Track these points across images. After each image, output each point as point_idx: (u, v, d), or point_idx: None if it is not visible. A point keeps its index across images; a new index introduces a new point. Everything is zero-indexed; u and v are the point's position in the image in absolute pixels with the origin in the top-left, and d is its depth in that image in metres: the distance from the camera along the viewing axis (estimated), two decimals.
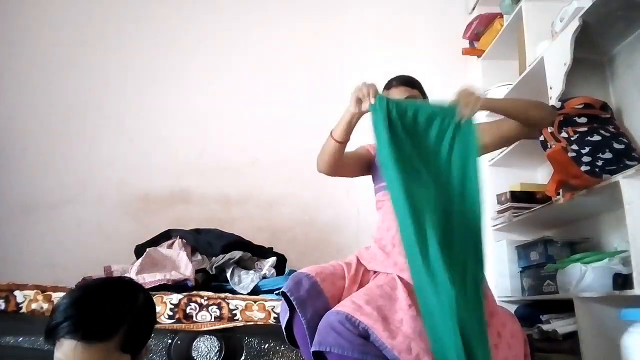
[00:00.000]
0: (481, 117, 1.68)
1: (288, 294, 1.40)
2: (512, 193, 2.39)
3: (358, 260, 1.59)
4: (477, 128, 1.42)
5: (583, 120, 1.89)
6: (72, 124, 2.65)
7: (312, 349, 1.31)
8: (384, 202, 1.67)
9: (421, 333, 1.28)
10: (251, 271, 1.97)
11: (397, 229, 1.55)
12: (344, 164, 1.66)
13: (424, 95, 1.74)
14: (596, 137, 1.83)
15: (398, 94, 1.68)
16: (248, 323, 1.70)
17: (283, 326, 1.46)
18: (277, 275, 1.99)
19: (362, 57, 2.87)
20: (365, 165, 1.76)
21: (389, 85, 1.73)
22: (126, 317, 1.04)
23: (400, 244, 1.53)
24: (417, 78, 1.77)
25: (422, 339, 1.27)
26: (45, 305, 1.66)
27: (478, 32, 2.87)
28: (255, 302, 1.73)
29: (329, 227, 2.63)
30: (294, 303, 1.39)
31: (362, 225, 2.55)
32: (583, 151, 1.80)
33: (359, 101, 1.43)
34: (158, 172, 2.64)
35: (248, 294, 1.84)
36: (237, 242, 2.10)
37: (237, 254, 1.98)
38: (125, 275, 1.88)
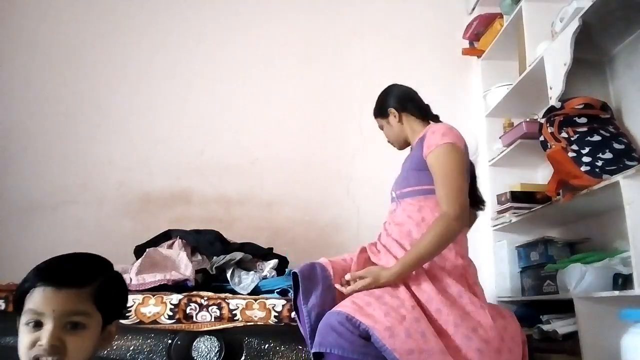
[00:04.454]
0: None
1: (299, 277, 1.43)
2: (512, 193, 2.39)
3: (362, 254, 1.60)
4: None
5: (583, 120, 1.89)
6: (72, 124, 2.65)
7: (313, 350, 1.32)
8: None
9: (423, 335, 1.28)
10: (251, 272, 1.96)
11: (396, 234, 1.57)
12: None
13: (384, 110, 1.78)
14: (596, 137, 1.84)
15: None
16: (248, 323, 1.69)
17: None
18: (278, 276, 1.99)
19: (362, 57, 2.87)
20: None
21: None
22: (100, 270, 1.00)
23: (395, 245, 1.55)
24: (382, 93, 1.83)
25: (425, 341, 1.27)
26: None
27: (478, 32, 2.87)
28: (255, 300, 1.73)
29: (329, 227, 2.62)
30: (300, 288, 1.42)
31: (362, 225, 2.55)
32: (583, 151, 1.80)
33: None
34: (158, 172, 2.63)
35: (248, 294, 1.84)
36: (240, 246, 2.10)
37: (238, 255, 1.98)
38: (125, 275, 1.88)
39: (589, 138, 1.83)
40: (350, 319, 1.29)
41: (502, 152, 2.51)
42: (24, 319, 0.92)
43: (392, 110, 1.77)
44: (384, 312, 1.31)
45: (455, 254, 1.52)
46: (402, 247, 1.53)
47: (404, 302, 1.36)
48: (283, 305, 1.69)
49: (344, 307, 1.34)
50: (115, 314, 1.04)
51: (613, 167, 1.74)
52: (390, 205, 1.72)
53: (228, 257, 1.97)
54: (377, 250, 1.62)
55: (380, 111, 1.81)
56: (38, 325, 0.91)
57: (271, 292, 1.86)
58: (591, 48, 2.05)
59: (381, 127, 1.84)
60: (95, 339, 0.96)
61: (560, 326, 1.89)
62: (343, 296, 1.43)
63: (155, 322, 1.66)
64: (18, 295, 0.95)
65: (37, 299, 0.91)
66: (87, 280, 0.96)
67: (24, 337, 0.92)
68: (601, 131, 1.86)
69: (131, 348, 1.61)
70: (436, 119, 1.78)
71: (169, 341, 1.66)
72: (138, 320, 1.65)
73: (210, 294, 1.76)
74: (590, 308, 1.71)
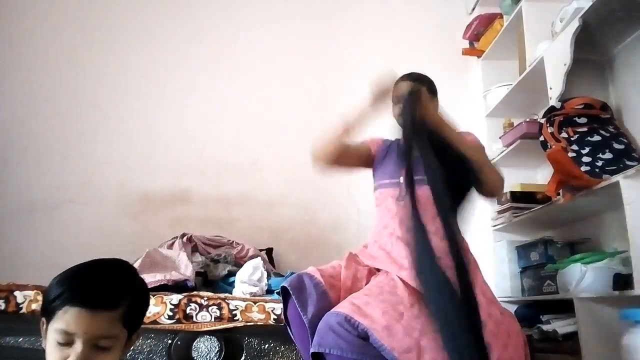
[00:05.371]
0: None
1: (290, 290, 1.41)
2: (512, 193, 2.39)
3: (351, 259, 1.58)
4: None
5: (583, 120, 1.89)
6: (72, 124, 2.65)
7: (312, 350, 1.31)
8: (380, 200, 1.66)
9: (422, 332, 1.28)
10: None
11: (394, 226, 1.55)
12: (344, 154, 1.71)
13: (430, 92, 1.68)
14: (596, 137, 1.84)
15: (403, 87, 1.67)
16: (248, 323, 1.70)
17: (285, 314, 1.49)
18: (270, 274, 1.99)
19: (361, 58, 2.87)
20: (364, 159, 1.77)
21: (398, 80, 1.72)
22: (129, 289, 1.03)
23: (397, 242, 1.53)
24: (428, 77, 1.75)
25: (424, 338, 1.27)
26: None
27: (478, 32, 2.87)
28: (255, 302, 1.73)
29: (329, 227, 2.62)
30: (295, 301, 1.40)
31: (362, 225, 2.55)
32: (583, 151, 1.80)
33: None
34: (158, 172, 2.64)
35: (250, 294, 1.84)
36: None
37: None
38: None
39: (589, 138, 1.83)
40: (348, 319, 1.29)
41: (502, 152, 2.51)
42: (55, 336, 0.94)
43: (437, 100, 1.71)
44: (381, 311, 1.31)
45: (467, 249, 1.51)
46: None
47: (403, 300, 1.36)
48: (282, 309, 1.68)
49: (342, 307, 1.34)
50: (139, 325, 1.08)
51: (613, 167, 1.74)
52: (392, 196, 1.63)
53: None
54: (372, 256, 1.57)
55: (431, 88, 1.72)
56: (67, 342, 0.94)
57: (271, 292, 1.86)
58: (591, 48, 2.05)
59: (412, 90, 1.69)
60: (120, 352, 1.00)
61: (560, 326, 1.89)
62: (336, 300, 1.42)
63: (155, 322, 1.66)
64: (49, 307, 0.97)
65: (70, 321, 0.94)
66: (119, 303, 0.99)
67: (53, 353, 0.95)
68: (601, 131, 1.86)
69: (131, 348, 1.61)
70: None
71: (169, 341, 1.66)
72: None
73: (210, 294, 1.76)
74: (590, 308, 1.71)
